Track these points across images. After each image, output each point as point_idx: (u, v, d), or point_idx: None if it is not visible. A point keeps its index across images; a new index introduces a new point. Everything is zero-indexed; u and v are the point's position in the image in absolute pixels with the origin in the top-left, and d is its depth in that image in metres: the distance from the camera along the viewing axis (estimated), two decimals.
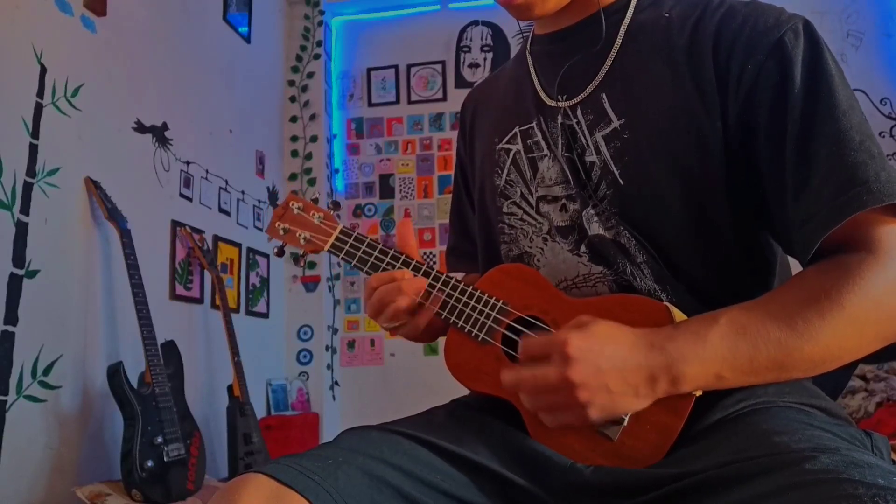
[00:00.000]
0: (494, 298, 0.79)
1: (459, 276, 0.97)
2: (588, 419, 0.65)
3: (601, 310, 0.72)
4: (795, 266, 0.75)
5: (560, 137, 0.83)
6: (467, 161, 1.03)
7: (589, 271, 0.80)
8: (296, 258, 1.00)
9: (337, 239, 0.88)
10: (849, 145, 0.66)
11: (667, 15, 0.80)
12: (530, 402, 0.68)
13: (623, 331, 0.67)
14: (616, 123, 0.78)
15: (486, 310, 0.79)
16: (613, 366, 0.64)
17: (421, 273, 0.83)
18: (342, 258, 0.87)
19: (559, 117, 0.83)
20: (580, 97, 0.82)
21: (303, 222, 0.90)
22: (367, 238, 0.87)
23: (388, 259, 0.84)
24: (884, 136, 3.28)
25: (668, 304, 0.72)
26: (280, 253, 0.94)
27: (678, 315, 0.70)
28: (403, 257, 0.84)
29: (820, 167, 0.67)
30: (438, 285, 0.82)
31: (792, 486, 0.50)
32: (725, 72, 0.73)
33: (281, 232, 0.90)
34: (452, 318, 0.80)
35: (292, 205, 0.91)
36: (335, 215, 0.91)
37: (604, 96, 0.80)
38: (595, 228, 0.79)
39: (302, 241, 0.89)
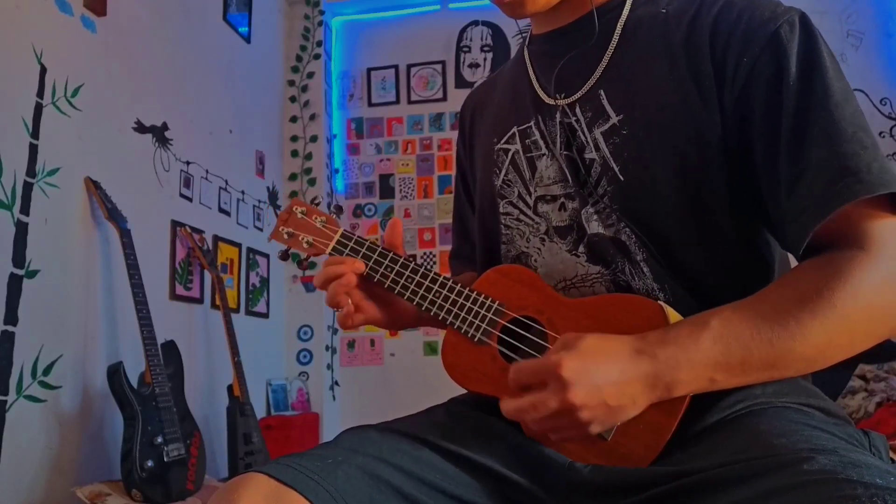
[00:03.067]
0: (490, 299, 0.80)
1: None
2: (590, 434, 0.65)
3: (596, 309, 0.72)
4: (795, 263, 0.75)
5: (559, 136, 0.83)
6: (467, 164, 1.03)
7: (587, 271, 0.80)
8: (299, 262, 1.01)
9: (338, 242, 0.89)
10: (840, 136, 0.66)
11: (663, 11, 0.80)
12: (534, 427, 0.67)
13: (612, 343, 0.66)
14: (615, 119, 0.78)
15: (482, 311, 0.80)
16: (609, 381, 0.63)
17: (419, 276, 0.83)
18: None
19: (558, 115, 0.83)
20: (578, 94, 0.82)
21: (305, 226, 0.91)
22: (366, 241, 0.88)
23: (386, 262, 0.85)
24: (884, 136, 3.28)
25: (662, 303, 0.72)
26: (284, 257, 0.97)
27: (672, 314, 0.70)
28: (402, 259, 0.85)
29: (812, 160, 0.67)
30: (436, 287, 0.83)
31: (790, 486, 0.50)
32: (722, 65, 0.73)
33: (285, 236, 0.92)
34: (449, 319, 0.81)
35: (296, 209, 0.92)
36: (336, 219, 0.93)
37: (602, 93, 0.80)
38: (594, 227, 0.79)
39: (305, 245, 0.91)
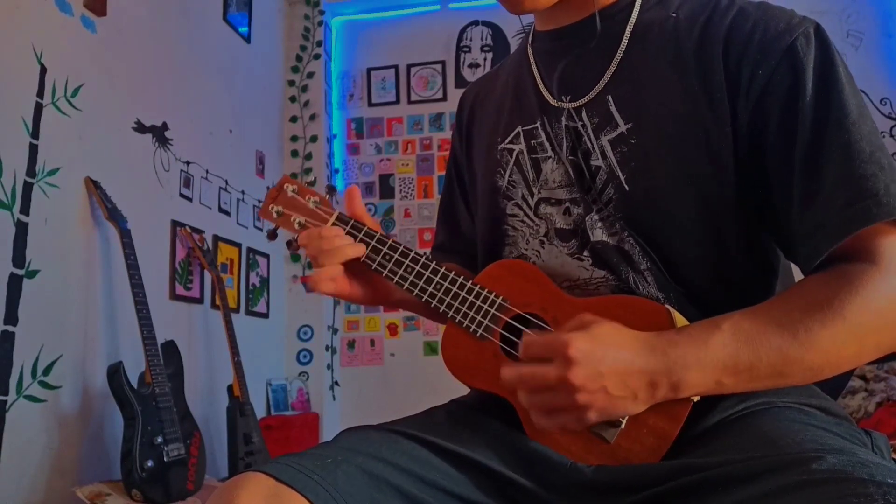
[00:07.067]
0: (493, 294, 0.78)
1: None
2: (585, 422, 0.64)
3: (602, 310, 0.72)
4: (798, 271, 0.74)
5: (565, 139, 0.81)
6: (463, 158, 1.01)
7: (591, 275, 0.79)
8: (289, 243, 0.99)
9: (333, 225, 0.86)
10: (858, 157, 0.65)
11: (674, 15, 0.78)
12: (528, 401, 0.67)
13: (625, 333, 0.66)
14: (623, 128, 0.77)
15: (485, 306, 0.78)
16: (614, 369, 0.62)
17: (419, 266, 0.81)
18: None
19: (563, 118, 0.82)
20: (586, 98, 0.80)
21: (297, 206, 0.88)
22: (363, 226, 0.85)
23: (385, 249, 0.83)
24: (884, 136, 3.28)
25: (670, 308, 0.71)
26: (272, 235, 0.92)
27: (679, 319, 0.70)
28: (402, 248, 0.82)
29: (829, 178, 0.66)
30: (437, 279, 0.80)
31: (800, 484, 0.50)
32: (736, 77, 0.72)
33: (274, 215, 0.88)
34: (450, 313, 0.79)
35: (287, 187, 0.88)
36: (330, 200, 0.89)
37: (610, 98, 0.78)
38: (598, 234, 0.78)
39: (296, 226, 0.87)
